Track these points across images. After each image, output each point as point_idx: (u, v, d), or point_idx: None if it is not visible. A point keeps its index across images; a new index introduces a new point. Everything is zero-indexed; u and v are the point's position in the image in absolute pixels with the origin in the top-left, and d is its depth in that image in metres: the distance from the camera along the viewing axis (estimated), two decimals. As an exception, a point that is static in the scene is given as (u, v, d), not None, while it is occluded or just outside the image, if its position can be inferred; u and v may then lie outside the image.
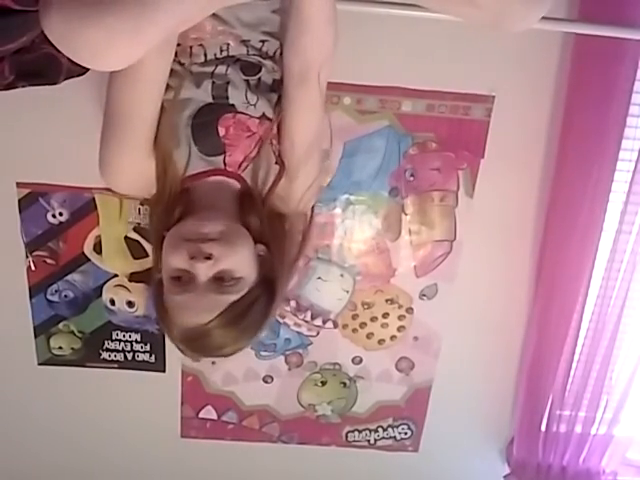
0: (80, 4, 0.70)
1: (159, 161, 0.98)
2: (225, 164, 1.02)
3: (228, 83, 0.99)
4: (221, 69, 0.98)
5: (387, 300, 2.10)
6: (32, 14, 0.87)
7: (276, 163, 1.06)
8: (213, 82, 0.98)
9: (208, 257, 0.94)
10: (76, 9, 0.70)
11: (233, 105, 1.00)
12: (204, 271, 0.95)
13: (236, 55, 0.99)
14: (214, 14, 0.92)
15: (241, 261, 0.98)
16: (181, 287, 0.96)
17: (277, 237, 1.07)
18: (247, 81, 1.00)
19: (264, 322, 1.04)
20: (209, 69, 0.98)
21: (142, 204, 1.07)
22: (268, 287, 1.03)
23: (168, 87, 0.95)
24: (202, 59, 0.97)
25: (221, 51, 0.97)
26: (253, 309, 1.00)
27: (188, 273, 0.95)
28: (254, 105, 1.01)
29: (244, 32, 0.97)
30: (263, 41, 0.99)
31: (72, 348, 2.15)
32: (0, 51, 0.93)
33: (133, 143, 0.96)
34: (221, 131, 0.99)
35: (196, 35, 0.94)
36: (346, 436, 2.34)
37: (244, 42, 0.98)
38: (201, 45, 0.95)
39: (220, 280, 0.96)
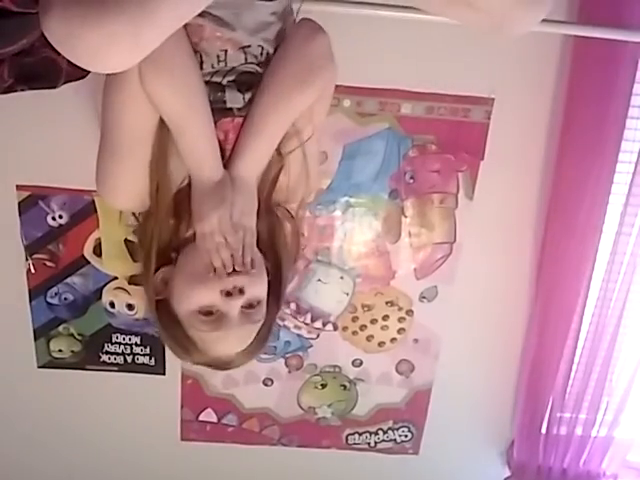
0: (81, 6, 0.70)
1: (152, 173, 0.95)
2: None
3: (225, 87, 0.98)
4: (217, 79, 0.97)
5: (387, 302, 2.09)
6: (32, 16, 0.87)
7: (279, 154, 1.06)
8: (210, 86, 0.97)
9: (241, 291, 0.93)
10: (77, 11, 0.69)
11: (231, 109, 0.98)
12: (237, 306, 0.94)
13: (234, 64, 0.97)
14: (214, 16, 0.91)
15: (262, 284, 0.98)
16: (214, 324, 0.94)
17: (276, 243, 1.06)
18: (240, 90, 0.99)
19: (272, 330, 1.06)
20: (205, 78, 0.96)
21: (136, 218, 1.03)
22: (276, 298, 1.04)
23: None
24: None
25: (219, 61, 0.96)
26: (272, 324, 1.02)
27: (217, 309, 0.94)
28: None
29: (244, 37, 0.96)
30: (261, 46, 0.98)
31: (72, 351, 2.15)
32: (0, 53, 0.93)
33: (133, 162, 0.94)
34: (220, 135, 0.98)
35: (194, 40, 0.93)
36: (346, 439, 2.34)
37: (243, 49, 0.97)
38: (197, 51, 0.94)
39: (248, 308, 0.96)
